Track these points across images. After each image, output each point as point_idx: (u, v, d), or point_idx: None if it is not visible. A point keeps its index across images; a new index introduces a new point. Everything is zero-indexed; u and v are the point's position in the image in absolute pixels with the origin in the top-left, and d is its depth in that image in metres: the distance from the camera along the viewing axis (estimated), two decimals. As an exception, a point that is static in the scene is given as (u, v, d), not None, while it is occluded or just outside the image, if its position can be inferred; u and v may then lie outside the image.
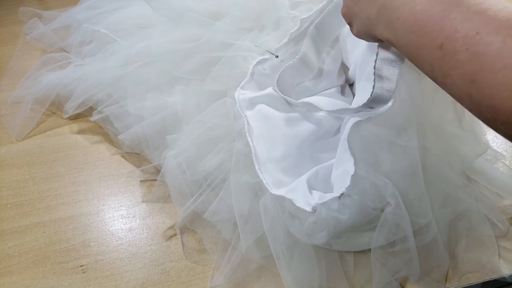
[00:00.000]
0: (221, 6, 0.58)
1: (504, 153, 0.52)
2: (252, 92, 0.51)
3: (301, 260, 0.41)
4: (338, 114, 0.47)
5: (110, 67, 0.57)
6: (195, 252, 0.45)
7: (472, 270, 0.42)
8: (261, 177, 0.43)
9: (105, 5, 0.68)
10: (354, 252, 0.43)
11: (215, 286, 0.42)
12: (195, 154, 0.46)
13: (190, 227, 0.46)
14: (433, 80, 0.27)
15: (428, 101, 0.40)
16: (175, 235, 0.46)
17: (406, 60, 0.33)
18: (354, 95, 0.54)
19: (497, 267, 0.42)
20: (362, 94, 0.39)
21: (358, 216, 0.38)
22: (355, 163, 0.37)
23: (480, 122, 0.25)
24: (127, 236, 0.47)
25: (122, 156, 0.55)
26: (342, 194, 0.37)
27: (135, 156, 0.54)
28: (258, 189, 0.43)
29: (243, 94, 0.50)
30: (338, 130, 0.48)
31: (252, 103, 0.50)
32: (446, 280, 0.42)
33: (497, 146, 0.53)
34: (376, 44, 0.34)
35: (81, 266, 0.44)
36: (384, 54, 0.33)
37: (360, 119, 0.37)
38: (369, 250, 0.41)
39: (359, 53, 0.48)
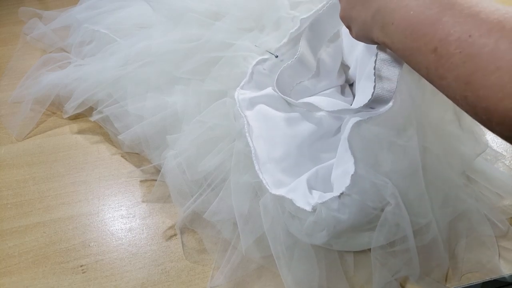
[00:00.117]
0: (221, 6, 0.58)
1: (504, 153, 0.52)
2: (252, 92, 0.51)
3: (301, 260, 0.41)
4: (338, 114, 0.47)
5: (110, 67, 0.57)
6: (195, 252, 0.45)
7: (472, 270, 0.42)
8: (261, 177, 0.43)
9: (105, 5, 0.67)
10: (354, 252, 0.43)
11: (215, 286, 0.42)
12: (195, 154, 0.46)
13: (190, 227, 0.46)
14: (430, 82, 0.27)
15: (428, 101, 0.40)
16: (175, 235, 0.46)
17: None
18: (354, 95, 0.54)
19: (497, 267, 0.42)
20: (363, 94, 0.39)
21: (358, 216, 0.38)
22: (355, 163, 0.37)
23: (479, 123, 0.25)
24: (127, 236, 0.47)
25: (122, 156, 0.55)
26: (342, 194, 0.38)
27: (135, 156, 0.54)
28: (258, 189, 0.43)
29: (243, 94, 0.50)
30: (338, 130, 0.48)
31: (252, 103, 0.50)
32: (446, 280, 0.42)
33: (497, 146, 0.53)
34: (375, 45, 0.34)
35: (81, 266, 0.44)
36: (383, 55, 0.33)
37: (360, 119, 0.37)
38: (369, 250, 0.41)
39: (359, 52, 0.48)
